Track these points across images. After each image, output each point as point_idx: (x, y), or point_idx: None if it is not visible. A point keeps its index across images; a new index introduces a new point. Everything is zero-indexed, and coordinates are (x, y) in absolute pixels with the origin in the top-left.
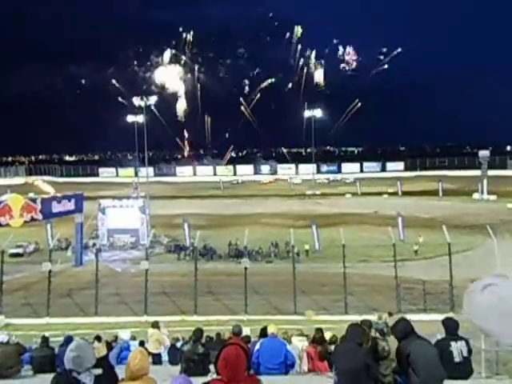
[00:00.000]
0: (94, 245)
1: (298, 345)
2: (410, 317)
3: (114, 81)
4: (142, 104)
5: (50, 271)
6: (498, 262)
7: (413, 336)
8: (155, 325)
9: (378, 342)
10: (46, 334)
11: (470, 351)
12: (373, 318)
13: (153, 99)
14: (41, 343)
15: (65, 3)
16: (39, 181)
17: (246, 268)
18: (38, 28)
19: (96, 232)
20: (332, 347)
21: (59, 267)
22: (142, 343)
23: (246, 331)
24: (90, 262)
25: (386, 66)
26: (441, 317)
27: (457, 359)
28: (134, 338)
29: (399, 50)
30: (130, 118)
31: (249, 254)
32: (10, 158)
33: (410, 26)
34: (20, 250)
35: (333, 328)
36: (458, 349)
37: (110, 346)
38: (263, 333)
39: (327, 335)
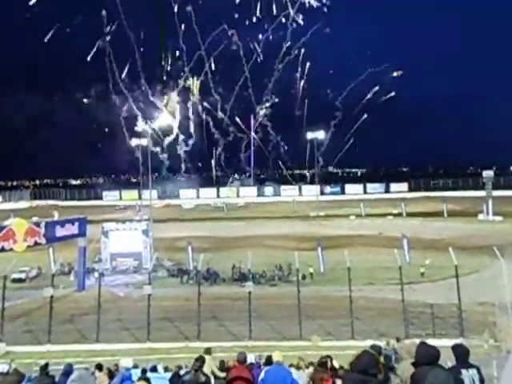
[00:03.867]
0: (94, 270)
1: (305, 371)
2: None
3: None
4: (146, 128)
5: (51, 297)
6: (507, 283)
7: (433, 365)
8: (208, 352)
9: (390, 377)
10: (45, 361)
11: (482, 380)
12: (380, 343)
13: (157, 123)
14: (40, 372)
15: None
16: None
17: (249, 292)
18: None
19: (99, 256)
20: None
21: (61, 292)
22: (144, 371)
23: (250, 358)
24: (92, 286)
25: (393, 94)
26: (450, 342)
27: None
28: (136, 366)
29: (401, 72)
30: (134, 142)
31: (253, 277)
32: (14, 183)
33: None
34: (22, 276)
35: (339, 354)
36: (469, 377)
37: (111, 375)
38: (269, 361)
39: (336, 364)
